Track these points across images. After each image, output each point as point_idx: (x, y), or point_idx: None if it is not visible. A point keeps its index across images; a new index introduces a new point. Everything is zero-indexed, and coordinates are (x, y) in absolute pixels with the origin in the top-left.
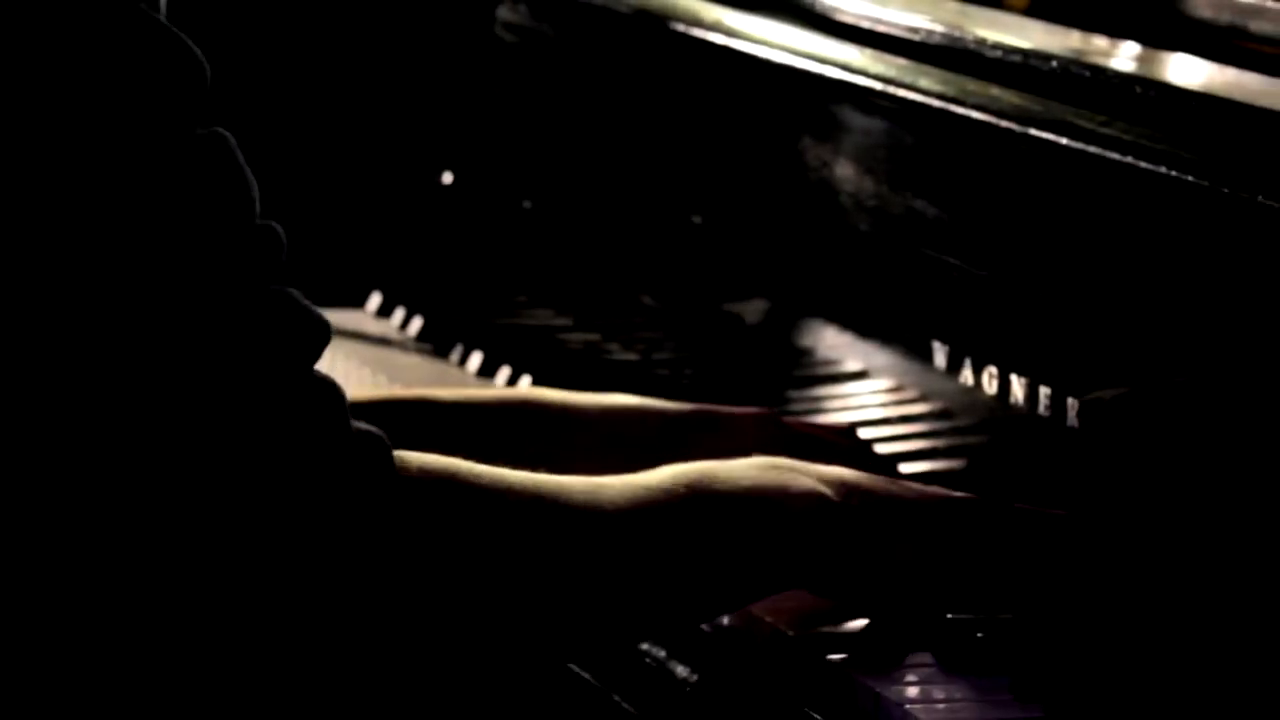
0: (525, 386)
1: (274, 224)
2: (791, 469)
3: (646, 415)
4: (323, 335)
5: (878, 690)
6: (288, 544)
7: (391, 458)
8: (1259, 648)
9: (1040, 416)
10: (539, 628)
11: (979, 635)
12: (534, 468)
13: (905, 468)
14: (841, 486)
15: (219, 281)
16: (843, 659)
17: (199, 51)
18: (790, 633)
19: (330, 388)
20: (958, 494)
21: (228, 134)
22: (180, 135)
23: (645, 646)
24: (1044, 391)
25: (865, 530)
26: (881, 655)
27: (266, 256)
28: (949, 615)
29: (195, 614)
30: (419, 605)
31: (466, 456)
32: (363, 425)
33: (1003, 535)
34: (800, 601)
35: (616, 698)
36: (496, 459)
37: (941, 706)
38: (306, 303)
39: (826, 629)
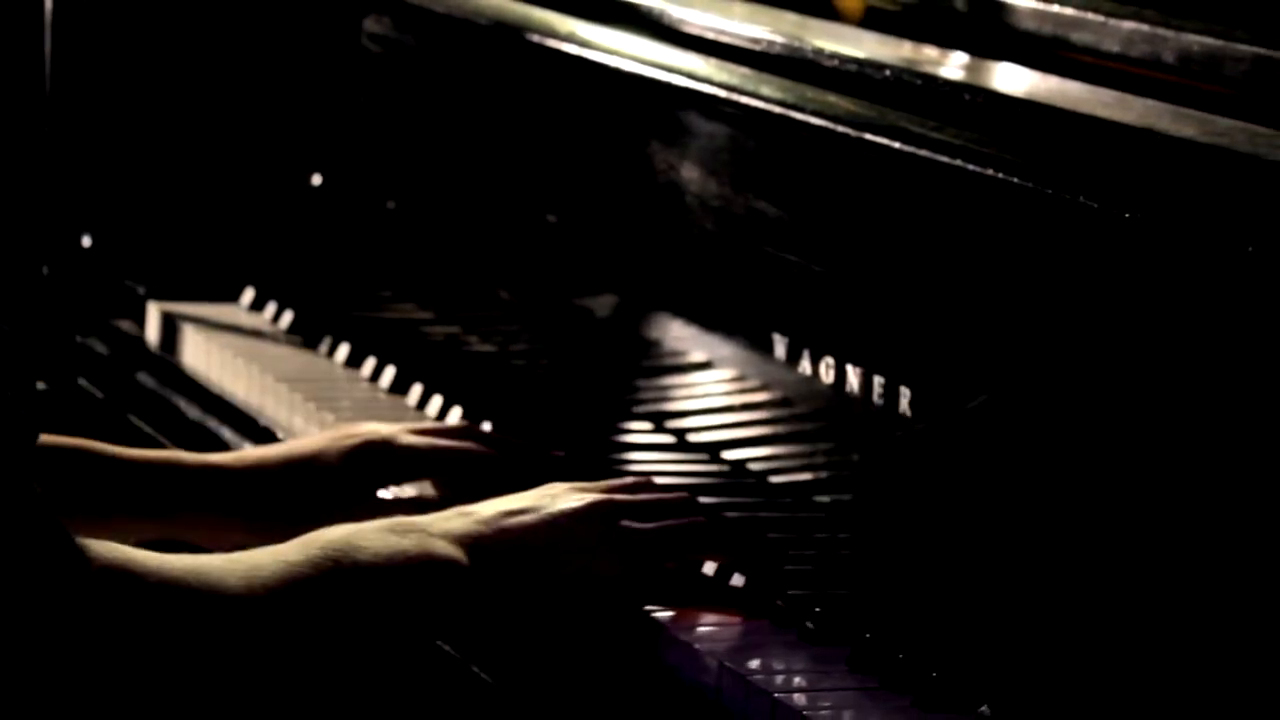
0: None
1: None
2: (423, 531)
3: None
4: (23, 436)
5: (727, 664)
6: None
7: (77, 549)
8: (1090, 629)
9: (874, 404)
10: (212, 701)
11: (817, 609)
12: (86, 512)
13: (747, 453)
14: (466, 541)
15: None
16: (686, 629)
17: None
18: (646, 610)
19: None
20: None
21: None
22: None
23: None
24: (878, 380)
25: (493, 582)
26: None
27: None
28: (789, 591)
29: None
30: (108, 688)
31: None
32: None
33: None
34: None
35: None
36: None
37: (780, 679)
38: (6, 406)
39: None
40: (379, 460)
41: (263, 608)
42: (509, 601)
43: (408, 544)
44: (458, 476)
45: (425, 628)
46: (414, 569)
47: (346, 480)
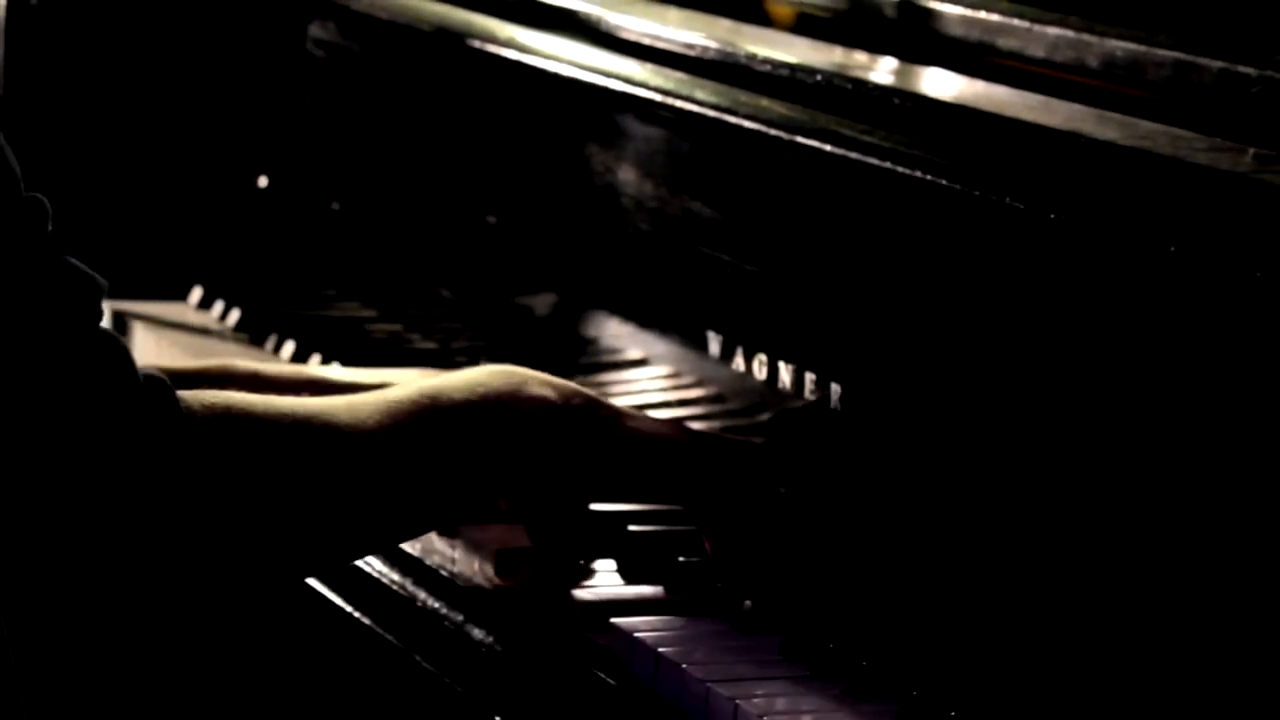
0: (234, 359)
1: (39, 195)
2: (518, 374)
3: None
4: (94, 292)
5: (662, 651)
6: (86, 488)
7: (176, 399)
8: (1018, 617)
9: (806, 400)
10: (315, 536)
11: (749, 599)
12: None
13: None
14: (565, 390)
15: None
16: (626, 622)
17: None
18: (580, 596)
19: (112, 340)
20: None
21: None
22: None
23: (444, 610)
24: (809, 377)
25: (585, 428)
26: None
27: (33, 225)
28: (723, 581)
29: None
30: (212, 529)
31: None
32: (148, 369)
33: (703, 447)
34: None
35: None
36: None
37: (714, 668)
38: (78, 264)
39: (611, 593)
40: None
41: (368, 440)
42: (586, 449)
43: (497, 384)
44: None
45: (514, 465)
46: (509, 404)
47: None
